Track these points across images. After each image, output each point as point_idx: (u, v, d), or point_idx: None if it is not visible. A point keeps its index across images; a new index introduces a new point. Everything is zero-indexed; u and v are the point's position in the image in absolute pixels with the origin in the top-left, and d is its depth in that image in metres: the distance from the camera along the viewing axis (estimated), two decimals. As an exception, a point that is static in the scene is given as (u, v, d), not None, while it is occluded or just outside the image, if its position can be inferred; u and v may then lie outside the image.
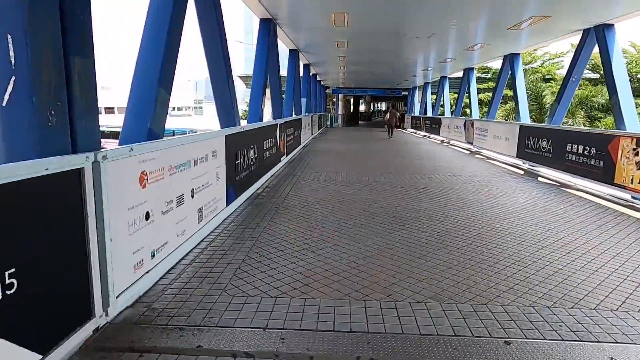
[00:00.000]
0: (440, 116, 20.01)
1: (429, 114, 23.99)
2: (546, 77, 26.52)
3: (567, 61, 28.84)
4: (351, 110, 43.82)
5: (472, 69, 16.43)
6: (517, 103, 11.63)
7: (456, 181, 7.88)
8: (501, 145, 11.70)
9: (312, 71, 20.33)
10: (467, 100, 18.38)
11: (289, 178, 7.87)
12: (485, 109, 28.33)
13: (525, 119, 11.39)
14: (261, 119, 8.07)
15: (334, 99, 36.63)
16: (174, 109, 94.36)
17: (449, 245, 4.13)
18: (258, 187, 6.78)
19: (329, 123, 31.21)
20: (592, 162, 7.43)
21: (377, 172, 8.77)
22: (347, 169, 9.07)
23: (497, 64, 31.88)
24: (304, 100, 16.16)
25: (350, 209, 5.50)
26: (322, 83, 28.99)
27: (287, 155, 9.96)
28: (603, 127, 19.52)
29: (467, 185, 7.48)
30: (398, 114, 24.24)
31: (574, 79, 8.74)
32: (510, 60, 12.12)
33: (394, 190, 6.88)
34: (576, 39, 9.21)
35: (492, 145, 12.48)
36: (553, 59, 27.42)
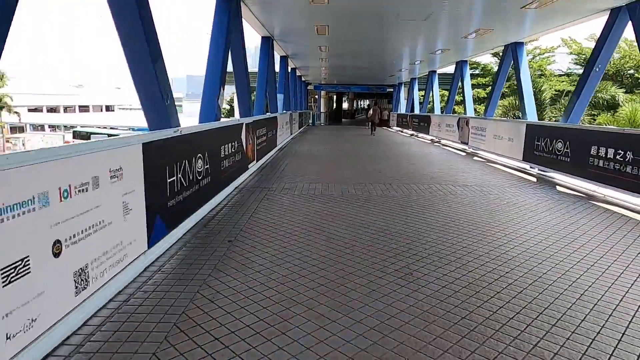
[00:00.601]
0: (429, 114, 18.65)
1: (417, 111, 22.65)
2: (536, 72, 25.51)
3: (558, 57, 28.01)
4: (334, 108, 42.36)
5: (466, 62, 15.07)
6: (521, 99, 10.28)
7: (464, 193, 6.41)
8: (503, 146, 10.33)
9: (291, 65, 18.71)
10: (458, 97, 17.07)
11: (257, 192, 6.26)
12: (477, 106, 27.30)
13: (532, 116, 10.03)
14: (218, 118, 6.42)
15: (316, 96, 35.06)
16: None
17: (487, 315, 2.61)
18: (212, 208, 5.16)
19: (310, 121, 29.63)
20: (629, 169, 6.06)
21: (365, 181, 7.24)
22: (328, 178, 7.51)
23: (486, 59, 30.86)
24: (280, 97, 14.53)
25: (334, 242, 3.94)
26: (304, 79, 27.37)
27: (257, 161, 8.35)
28: (602, 124, 18.43)
29: (479, 199, 6.01)
30: (379, 110, 24.51)
31: (597, 69, 7.36)
32: (514, 50, 10.74)
33: (390, 209, 5.35)
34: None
35: (492, 147, 11.12)
36: (543, 53, 26.43)
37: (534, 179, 8.05)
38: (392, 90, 30.68)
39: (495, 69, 28.92)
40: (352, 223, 4.66)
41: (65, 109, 71.21)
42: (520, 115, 10.81)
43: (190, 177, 4.26)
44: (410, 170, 8.68)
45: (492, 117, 12.61)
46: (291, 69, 19.31)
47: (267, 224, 4.62)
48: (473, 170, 8.92)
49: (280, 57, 15.31)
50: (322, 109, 35.05)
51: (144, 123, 4.81)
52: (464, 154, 12.39)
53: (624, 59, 22.28)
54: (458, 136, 14.10)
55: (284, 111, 14.80)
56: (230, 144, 6.06)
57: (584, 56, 24.54)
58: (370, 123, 20.36)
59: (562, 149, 7.84)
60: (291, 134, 16.16)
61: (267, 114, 11.13)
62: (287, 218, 4.88)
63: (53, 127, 60.07)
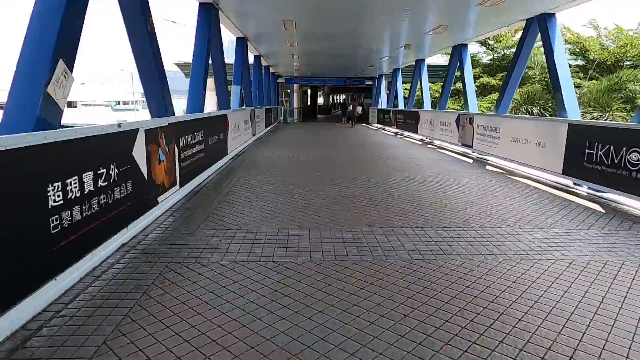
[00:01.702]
0: (417, 109, 16.00)
1: (401, 106, 20.02)
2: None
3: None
4: (308, 104, 39.44)
5: (466, 46, 12.45)
6: (557, 89, 7.65)
7: (516, 250, 3.69)
8: (529, 153, 7.74)
9: (254, 51, 15.68)
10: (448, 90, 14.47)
11: (146, 272, 3.34)
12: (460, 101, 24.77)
13: (575, 113, 7.41)
14: (53, 126, 3.36)
15: (289, 90, 32.03)
16: (118, 102, 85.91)
17: None
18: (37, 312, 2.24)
19: (282, 118, 26.61)
20: None
21: (349, 221, 4.44)
22: (291, 215, 4.67)
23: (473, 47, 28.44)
24: (236, 88, 11.55)
25: None
26: (272, 71, 24.34)
27: (182, 187, 5.41)
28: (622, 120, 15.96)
29: (545, 269, 3.31)
30: (359, 106, 26.14)
31: None
32: (543, 23, 8.08)
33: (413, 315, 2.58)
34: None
35: (509, 152, 8.52)
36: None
37: (598, 207, 5.42)
38: (371, 83, 27.99)
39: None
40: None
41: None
42: (537, 112, 8.17)
43: None
44: (414, 195, 5.92)
45: (507, 114, 10.02)
46: (254, 56, 16.29)
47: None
48: (498, 193, 6.24)
49: (238, 40, 12.30)
50: (296, 104, 31.99)
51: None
52: (469, 160, 9.76)
53: (625, 47, 20.24)
54: (458, 137, 11.50)
55: (242, 107, 11.83)
56: (105, 170, 3.13)
57: (580, 45, 22.49)
58: (350, 117, 23.45)
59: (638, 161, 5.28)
60: (254, 135, 13.20)
61: (209, 111, 8.15)
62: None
63: None
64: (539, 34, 8.22)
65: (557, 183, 6.98)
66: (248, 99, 13.06)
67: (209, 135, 6.99)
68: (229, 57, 11.47)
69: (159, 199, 4.53)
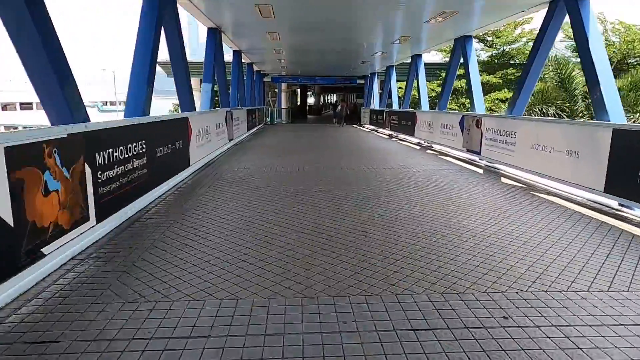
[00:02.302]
0: (414, 110, 14.58)
1: (395, 106, 18.59)
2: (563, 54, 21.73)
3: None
4: (298, 104, 37.97)
5: (470, 37, 11.03)
6: (594, 85, 6.24)
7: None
8: (556, 164, 6.33)
9: (232, 46, 14.15)
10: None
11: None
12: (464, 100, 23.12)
13: (618, 115, 5.99)
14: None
15: (276, 90, 30.52)
16: (105, 103, 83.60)
17: None
18: None
19: (268, 119, 25.08)
20: None
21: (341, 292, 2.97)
22: (249, 281, 3.20)
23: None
24: (206, 87, 10.00)
25: None
26: (257, 69, 22.82)
27: (101, 222, 3.88)
28: None
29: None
30: (346, 105, 26.19)
31: None
32: (574, 6, 6.67)
33: None
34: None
35: (529, 162, 7.12)
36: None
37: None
38: (363, 82, 26.58)
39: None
40: None
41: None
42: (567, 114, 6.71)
43: None
44: (434, 221, 4.47)
45: (525, 116, 8.61)
46: (233, 51, 14.74)
47: None
48: (532, 218, 4.81)
49: (210, 31, 10.74)
50: (284, 105, 30.45)
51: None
52: (478, 170, 8.35)
53: (631, 43, 19.02)
54: (462, 141, 10.08)
55: (215, 109, 10.29)
56: None
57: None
58: (339, 117, 23.95)
59: None
60: (231, 140, 11.68)
61: (165, 115, 6.63)
62: None
63: None
64: (567, 17, 6.78)
65: (597, 203, 5.57)
66: (224, 99, 11.49)
67: (157, 145, 5.46)
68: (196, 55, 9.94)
69: (45, 250, 3.00)
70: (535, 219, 4.72)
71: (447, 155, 10.62)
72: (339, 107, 24.46)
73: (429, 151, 11.52)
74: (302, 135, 17.15)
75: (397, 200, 5.52)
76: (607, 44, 19.94)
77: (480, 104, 10.43)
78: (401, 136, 15.95)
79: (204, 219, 4.52)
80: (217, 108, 10.63)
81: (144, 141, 4.98)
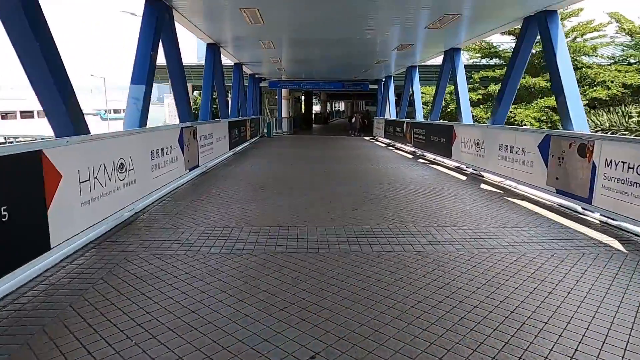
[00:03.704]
0: (451, 123, 10.91)
1: (419, 117, 14.93)
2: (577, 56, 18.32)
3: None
4: (303, 112, 34.47)
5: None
6: None
7: None
8: None
9: (208, 39, 10.69)
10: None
11: None
12: (484, 107, 19.37)
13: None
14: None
15: (276, 97, 27.02)
16: (110, 111, 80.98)
17: None
18: None
19: (265, 131, 21.55)
20: None
21: None
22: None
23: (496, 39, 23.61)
24: (135, 92, 6.54)
25: None
26: (251, 72, 19.42)
27: None
28: None
29: None
30: (360, 116, 25.70)
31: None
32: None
33: None
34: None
35: None
36: (588, 33, 19.10)
37: None
38: (375, 87, 23.02)
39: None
40: None
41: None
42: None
43: None
44: None
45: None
46: (208, 44, 11.25)
47: None
48: None
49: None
50: (285, 114, 26.76)
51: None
52: (593, 233, 4.72)
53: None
54: (547, 177, 6.40)
55: (176, 124, 6.82)
56: None
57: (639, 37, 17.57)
58: (354, 129, 24.81)
59: None
60: (190, 170, 8.14)
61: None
62: None
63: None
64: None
65: None
66: (184, 110, 7.90)
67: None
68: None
69: None
70: None
71: (518, 194, 6.99)
72: (354, 120, 25.73)
73: (486, 186, 7.85)
74: (300, 154, 13.58)
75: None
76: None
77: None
78: (429, 156, 12.34)
79: None
80: (178, 124, 7.14)
81: None
